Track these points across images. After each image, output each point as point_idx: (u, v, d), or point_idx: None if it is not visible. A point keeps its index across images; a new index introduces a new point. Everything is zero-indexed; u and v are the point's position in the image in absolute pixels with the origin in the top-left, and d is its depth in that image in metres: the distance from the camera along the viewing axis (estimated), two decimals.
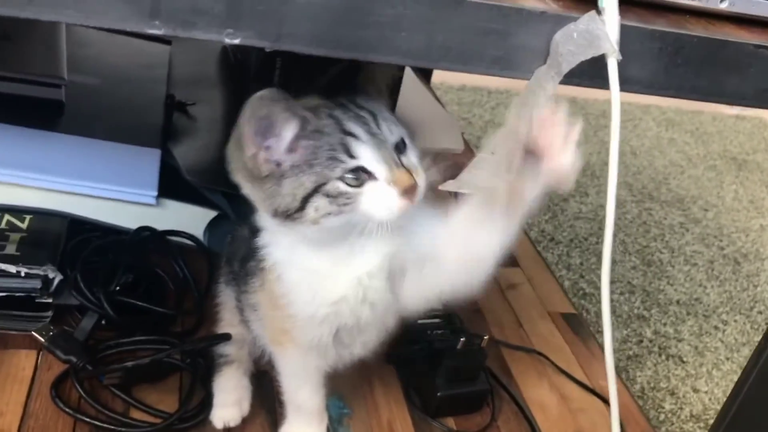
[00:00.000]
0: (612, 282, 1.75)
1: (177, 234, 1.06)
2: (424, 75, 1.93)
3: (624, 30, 0.55)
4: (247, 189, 0.71)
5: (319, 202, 0.66)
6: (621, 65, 0.56)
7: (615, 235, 1.93)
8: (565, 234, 1.89)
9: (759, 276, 1.90)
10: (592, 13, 0.55)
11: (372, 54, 0.53)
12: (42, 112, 1.10)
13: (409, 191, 0.67)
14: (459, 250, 0.71)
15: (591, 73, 0.57)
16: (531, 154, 0.62)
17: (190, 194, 1.08)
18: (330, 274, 0.74)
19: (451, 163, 0.72)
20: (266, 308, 0.81)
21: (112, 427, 0.85)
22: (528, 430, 0.98)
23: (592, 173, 2.23)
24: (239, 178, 0.70)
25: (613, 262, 1.82)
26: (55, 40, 1.16)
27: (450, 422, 0.97)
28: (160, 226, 1.06)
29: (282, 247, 0.75)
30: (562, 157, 0.61)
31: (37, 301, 0.94)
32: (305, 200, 0.67)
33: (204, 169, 1.11)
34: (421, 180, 0.69)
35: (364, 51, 0.53)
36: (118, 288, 0.98)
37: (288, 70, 1.25)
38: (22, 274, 0.92)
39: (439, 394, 0.95)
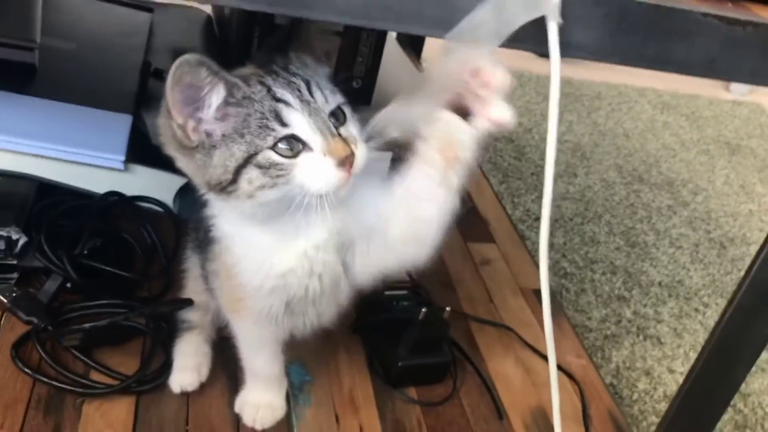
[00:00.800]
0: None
1: (146, 200, 1.06)
2: (414, 49, 1.92)
3: None
4: (180, 161, 0.69)
5: (251, 174, 0.64)
6: (564, 30, 0.56)
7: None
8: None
9: (744, 260, 1.89)
10: None
11: (308, 11, 0.52)
12: (13, 75, 1.09)
13: (345, 162, 0.65)
14: (403, 225, 0.71)
15: (535, 38, 0.57)
16: (459, 110, 0.62)
17: (161, 161, 1.07)
18: (276, 247, 0.73)
19: None
20: (222, 277, 0.80)
21: (70, 387, 0.85)
22: (489, 401, 0.98)
23: (582, 154, 2.22)
24: (170, 150, 0.68)
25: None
26: (29, 3, 1.15)
27: (412, 392, 0.97)
28: (130, 191, 1.06)
29: (228, 220, 0.74)
30: (495, 110, 0.60)
31: (0, 262, 0.94)
32: (237, 172, 0.64)
33: None
34: (360, 151, 0.66)
35: (300, 7, 0.52)
36: (84, 252, 0.98)
37: (266, 40, 1.25)
38: None
39: (400, 364, 0.95)
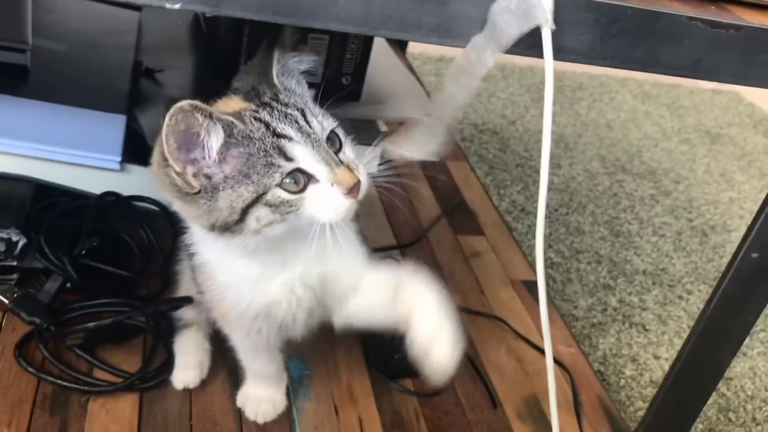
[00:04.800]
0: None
1: (142, 199, 1.08)
2: (400, 44, 1.94)
3: (559, 1, 0.57)
4: (178, 206, 0.68)
5: (260, 212, 0.64)
6: (557, 35, 0.58)
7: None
8: (537, 205, 1.90)
9: (725, 247, 1.93)
10: None
11: (310, 20, 0.54)
12: (6, 77, 1.10)
13: (353, 189, 0.66)
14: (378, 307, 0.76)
15: (529, 42, 0.59)
16: None
17: None
18: (260, 278, 0.73)
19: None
20: (207, 291, 0.81)
21: (74, 385, 0.87)
22: (483, 391, 1.01)
23: (565, 145, 2.25)
24: (169, 196, 0.67)
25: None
26: (20, 4, 1.16)
27: (408, 384, 1.00)
28: (126, 191, 1.07)
29: (210, 250, 0.74)
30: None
31: (1, 264, 0.96)
32: (245, 212, 0.64)
33: None
34: (363, 175, 0.67)
35: (302, 17, 0.54)
36: (83, 252, 0.99)
37: (255, 38, 1.26)
38: None
39: (396, 356, 0.97)
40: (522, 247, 1.39)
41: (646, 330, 1.58)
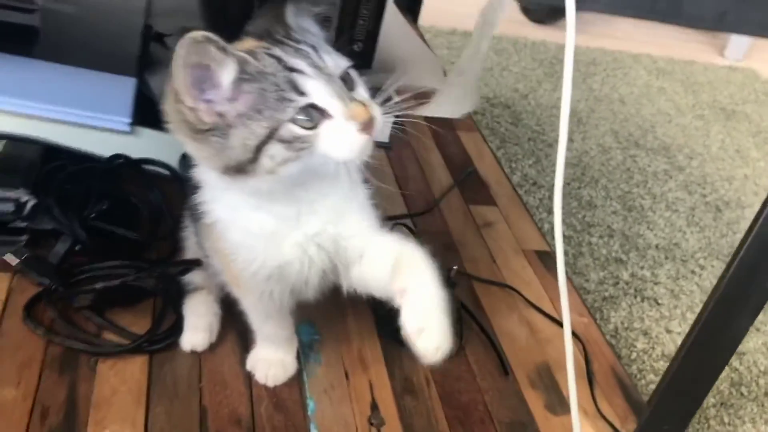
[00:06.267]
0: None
1: (152, 162, 1.07)
2: (412, 15, 1.92)
3: None
4: (191, 146, 0.66)
5: (273, 149, 0.63)
6: None
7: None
8: (548, 179, 1.89)
9: (739, 223, 1.91)
10: None
11: None
12: (16, 38, 1.09)
13: (367, 125, 0.64)
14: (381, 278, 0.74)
15: None
16: None
17: (165, 123, 1.08)
18: (273, 237, 0.72)
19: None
20: (220, 257, 0.80)
21: (83, 347, 0.86)
22: (495, 358, 1.00)
23: (578, 120, 2.23)
24: (180, 135, 0.65)
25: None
26: None
27: None
28: (135, 154, 1.06)
29: (224, 206, 0.73)
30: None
31: (10, 225, 0.95)
32: (258, 149, 0.63)
33: None
34: (377, 113, 0.65)
35: None
36: (92, 215, 0.98)
37: (266, 3, 1.24)
38: None
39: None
40: (534, 217, 1.37)
41: (659, 304, 1.57)
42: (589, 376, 1.01)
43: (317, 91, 0.63)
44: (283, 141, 0.63)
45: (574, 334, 1.08)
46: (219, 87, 0.62)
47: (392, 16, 1.51)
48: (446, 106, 0.66)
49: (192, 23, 1.35)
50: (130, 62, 1.13)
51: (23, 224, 0.96)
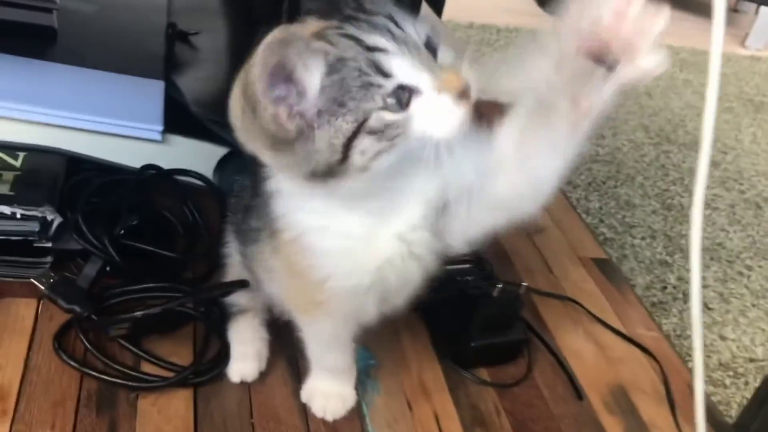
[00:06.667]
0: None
1: (185, 173, 0.98)
2: (435, 9, 1.83)
3: None
4: (268, 157, 0.58)
5: (364, 144, 0.55)
6: None
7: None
8: (583, 177, 1.81)
9: None
10: None
11: None
12: (33, 40, 1.00)
13: (463, 94, 0.55)
14: (513, 175, 0.61)
15: None
16: (597, 57, 0.53)
17: (198, 129, 0.99)
18: (370, 236, 0.64)
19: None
20: (287, 276, 0.71)
21: (122, 381, 0.78)
22: (565, 380, 0.92)
23: (606, 115, 2.14)
24: (257, 147, 0.57)
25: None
26: None
27: (483, 373, 0.90)
28: (167, 164, 0.98)
29: (312, 213, 0.64)
30: (644, 58, 0.51)
31: (35, 245, 0.87)
32: (347, 147, 0.55)
33: (211, 101, 1.02)
34: (471, 77, 0.56)
35: None
36: (122, 232, 0.90)
37: None
38: (18, 216, 0.84)
39: (473, 344, 0.88)
40: (586, 222, 1.29)
41: (709, 309, 1.49)
42: (670, 400, 0.92)
43: (403, 68, 0.55)
44: (374, 132, 0.55)
45: (646, 351, 1.00)
46: (305, 88, 0.54)
47: (424, 13, 1.43)
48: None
49: (217, 20, 1.27)
50: (156, 63, 1.04)
51: (48, 244, 0.87)
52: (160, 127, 0.94)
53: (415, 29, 0.56)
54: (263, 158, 0.59)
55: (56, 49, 1.01)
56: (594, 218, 1.67)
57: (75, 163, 0.94)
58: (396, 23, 0.56)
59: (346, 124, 0.54)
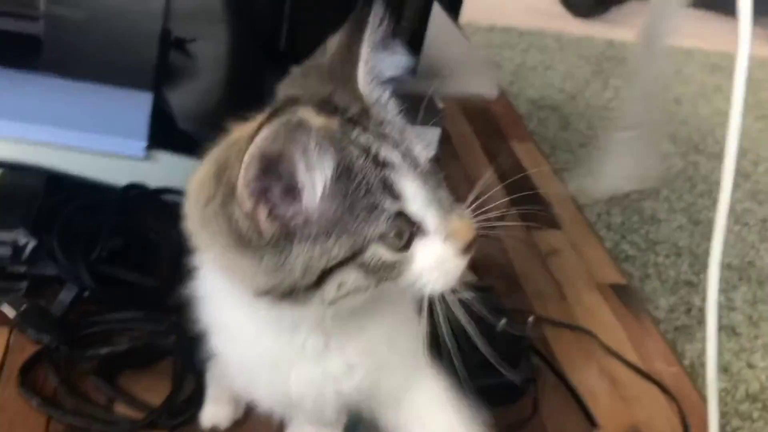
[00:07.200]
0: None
1: (172, 192, 0.93)
2: (453, 13, 1.77)
3: None
4: (222, 260, 0.49)
5: (347, 277, 0.46)
6: None
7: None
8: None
9: None
10: None
11: None
12: (15, 49, 0.96)
13: (469, 248, 0.48)
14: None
15: None
16: None
17: (187, 145, 0.93)
18: (276, 365, 0.56)
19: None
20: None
21: (90, 426, 0.72)
22: (580, 420, 0.85)
23: None
24: (212, 243, 0.48)
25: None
26: None
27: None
28: (152, 182, 0.93)
29: (218, 303, 0.56)
30: None
31: (8, 270, 0.81)
32: (327, 273, 0.46)
33: (203, 115, 0.97)
34: (475, 228, 0.49)
35: None
36: (103, 255, 0.85)
37: (299, 2, 1.11)
38: None
39: (471, 384, 0.81)
40: (605, 243, 1.22)
41: (736, 334, 1.40)
42: None
43: (413, 194, 0.47)
44: (365, 267, 0.46)
45: (665, 389, 0.92)
46: (298, 194, 0.45)
47: (437, 16, 1.36)
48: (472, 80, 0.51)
49: (216, 27, 1.21)
50: (146, 74, 0.99)
51: (22, 270, 0.82)
52: (144, 143, 0.89)
53: (421, 149, 0.49)
54: (213, 258, 0.50)
55: (40, 59, 0.96)
56: (616, 234, 1.59)
57: (55, 181, 0.89)
58: (404, 137, 0.49)
59: (338, 249, 0.46)
